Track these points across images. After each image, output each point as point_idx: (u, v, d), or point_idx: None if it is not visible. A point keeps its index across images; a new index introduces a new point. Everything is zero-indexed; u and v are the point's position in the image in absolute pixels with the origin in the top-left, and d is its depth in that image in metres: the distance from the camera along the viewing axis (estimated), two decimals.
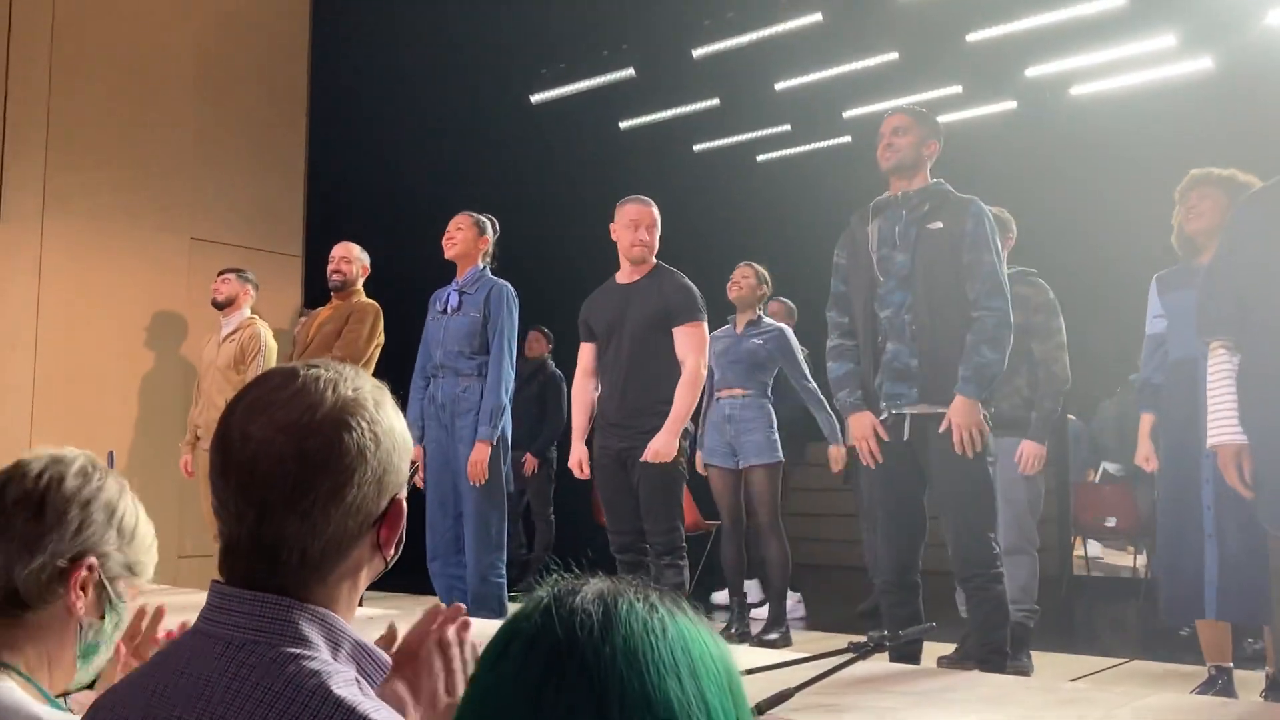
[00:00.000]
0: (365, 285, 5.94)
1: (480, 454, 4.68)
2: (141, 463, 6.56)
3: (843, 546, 8.74)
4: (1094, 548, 8.69)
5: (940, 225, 3.47)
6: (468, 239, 5.04)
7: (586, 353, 4.55)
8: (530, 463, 7.68)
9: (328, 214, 7.81)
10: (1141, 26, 7.90)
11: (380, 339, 5.58)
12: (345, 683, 1.09)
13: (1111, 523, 7.54)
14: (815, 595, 7.18)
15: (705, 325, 4.34)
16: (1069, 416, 9.08)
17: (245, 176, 7.34)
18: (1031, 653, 4.54)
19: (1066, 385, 4.55)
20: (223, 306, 6.17)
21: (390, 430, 1.17)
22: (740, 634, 5.33)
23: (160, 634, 1.69)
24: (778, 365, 5.42)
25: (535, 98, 9.86)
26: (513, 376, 4.89)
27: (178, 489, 6.45)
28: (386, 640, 1.39)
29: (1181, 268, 3.84)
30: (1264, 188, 3.00)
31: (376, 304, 5.68)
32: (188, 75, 7.14)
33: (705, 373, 4.34)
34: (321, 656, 1.11)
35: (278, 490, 1.11)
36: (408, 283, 8.58)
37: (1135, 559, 8.22)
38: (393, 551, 1.22)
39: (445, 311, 4.99)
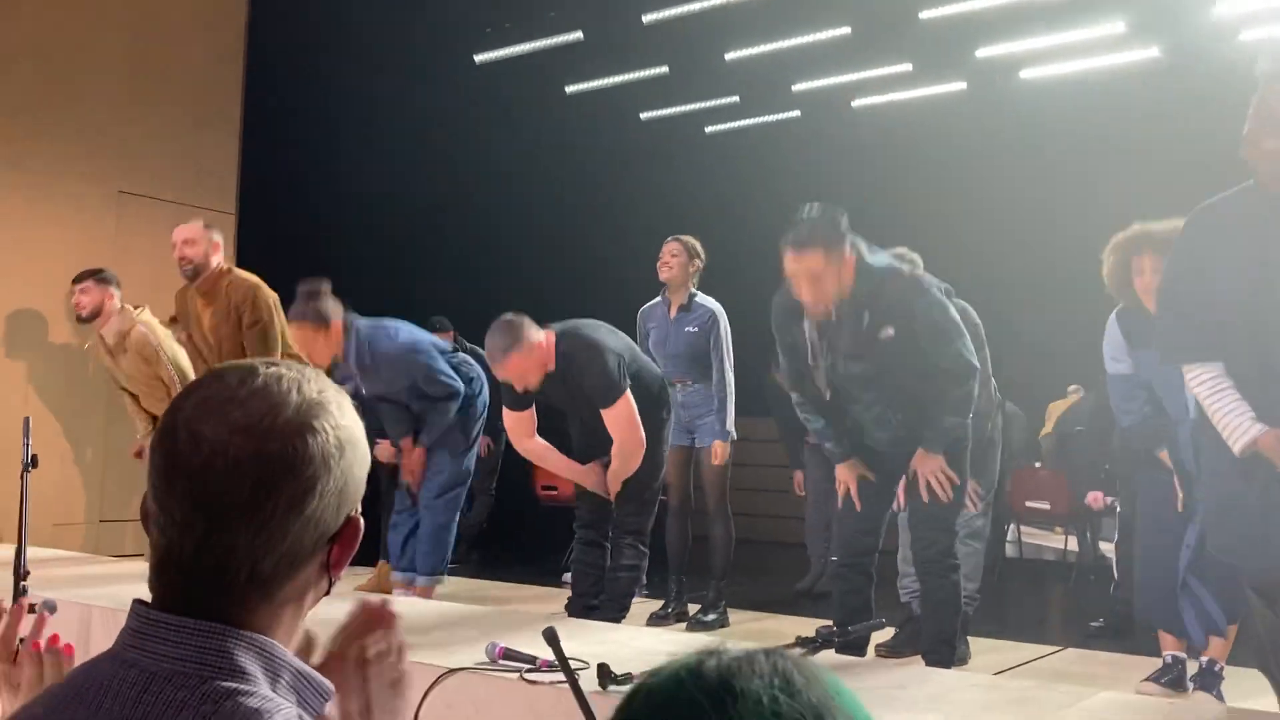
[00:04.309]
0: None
1: (419, 460, 5.01)
2: (65, 423, 6.31)
3: (781, 523, 8.75)
4: (1025, 530, 8.79)
5: (892, 331, 3.37)
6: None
7: (521, 420, 4.33)
8: (484, 442, 7.59)
9: (263, 169, 7.57)
10: (1092, 12, 7.91)
11: (281, 315, 5.12)
12: None
13: (1044, 506, 7.65)
14: (754, 572, 7.17)
15: (628, 394, 4.14)
16: (1008, 404, 9.18)
17: (177, 128, 7.06)
18: (969, 639, 4.56)
19: (997, 397, 4.70)
20: (89, 320, 5.46)
21: (353, 440, 1.08)
22: (678, 614, 5.28)
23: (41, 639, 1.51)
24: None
25: (479, 57, 9.64)
26: (452, 383, 4.98)
27: (102, 451, 6.25)
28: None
29: (1140, 312, 3.83)
30: (1209, 204, 2.90)
31: (254, 280, 5.17)
32: (120, 19, 6.84)
33: (640, 438, 4.19)
34: (260, 691, 1.00)
35: (233, 497, 1.00)
36: (342, 239, 8.38)
37: (1066, 541, 8.34)
38: (340, 574, 1.12)
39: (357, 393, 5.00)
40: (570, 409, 4.38)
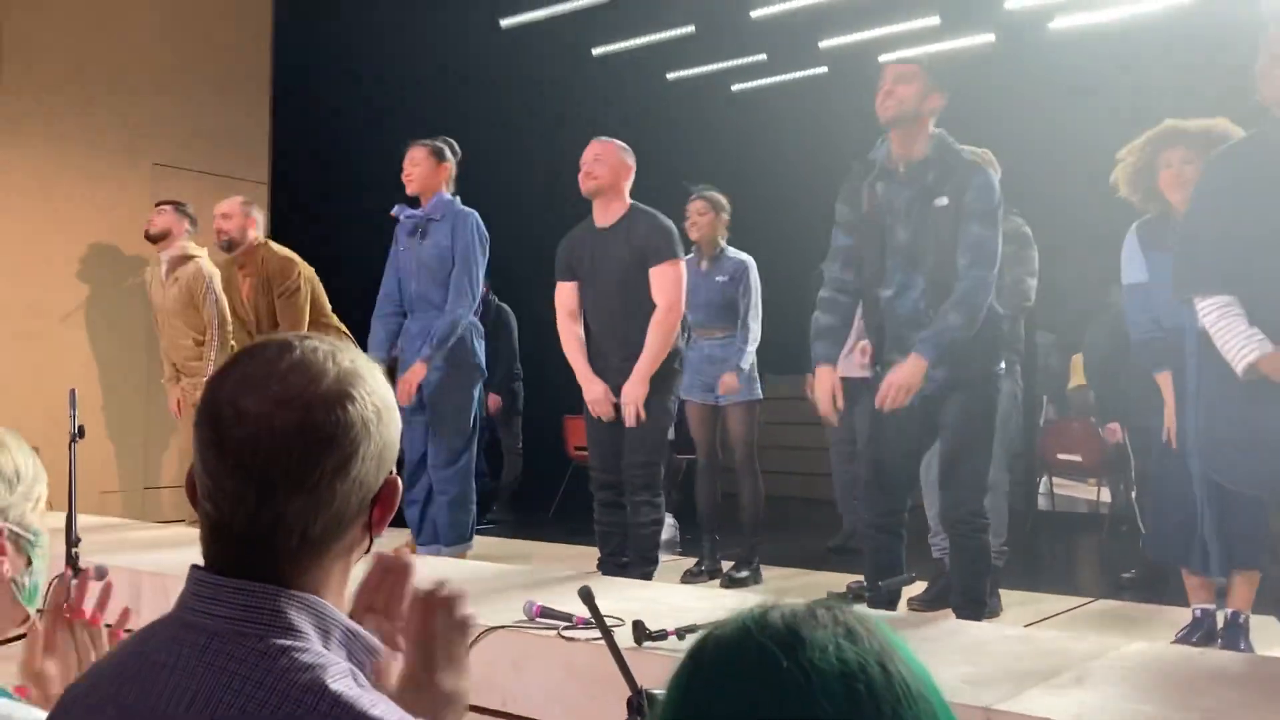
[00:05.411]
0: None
1: (414, 374, 4.70)
2: (105, 392, 6.44)
3: (812, 480, 8.79)
4: (1057, 482, 8.79)
5: (946, 201, 3.38)
6: (425, 172, 4.93)
7: (568, 293, 4.42)
8: (493, 401, 7.62)
9: (294, 140, 7.63)
10: None
11: (318, 286, 5.52)
12: (340, 675, 1.04)
13: (1076, 459, 7.66)
14: (785, 529, 7.23)
15: (681, 264, 4.25)
16: (1040, 331, 9.12)
17: (209, 101, 7.13)
18: (1000, 591, 4.59)
19: (1028, 302, 4.67)
20: (156, 240, 5.91)
21: (388, 404, 1.13)
22: (711, 572, 5.35)
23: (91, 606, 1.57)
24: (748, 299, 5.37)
25: (505, 21, 9.62)
26: (473, 302, 4.84)
27: (143, 419, 6.37)
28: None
29: (1160, 220, 3.78)
30: (1233, 145, 2.97)
31: (289, 253, 5.49)
32: None
33: (680, 312, 4.27)
34: (314, 647, 1.06)
35: (282, 468, 1.05)
36: (375, 207, 8.43)
37: (1099, 493, 8.34)
38: (382, 531, 1.18)
39: (413, 236, 4.89)
40: (605, 289, 4.31)
